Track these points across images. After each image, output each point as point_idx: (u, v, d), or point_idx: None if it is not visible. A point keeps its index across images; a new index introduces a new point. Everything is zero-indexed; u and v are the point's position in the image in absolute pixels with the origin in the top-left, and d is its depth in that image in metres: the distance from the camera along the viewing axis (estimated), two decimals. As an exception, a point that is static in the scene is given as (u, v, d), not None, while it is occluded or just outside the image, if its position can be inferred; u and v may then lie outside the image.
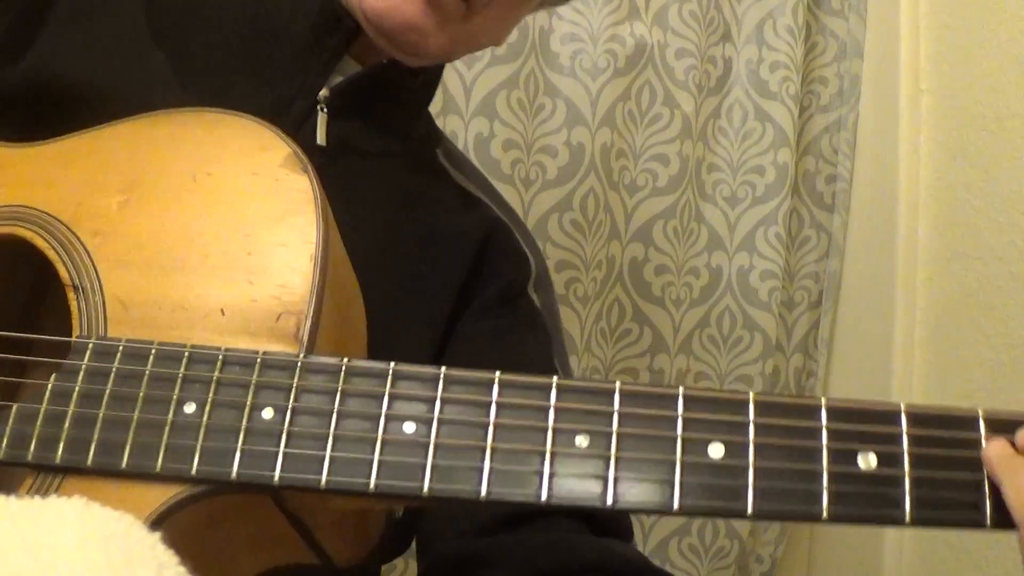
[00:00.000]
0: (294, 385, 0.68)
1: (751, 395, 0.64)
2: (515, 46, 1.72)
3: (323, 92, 0.98)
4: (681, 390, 0.65)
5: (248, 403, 0.68)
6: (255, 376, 0.69)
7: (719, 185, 1.98)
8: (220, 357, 0.70)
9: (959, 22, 1.83)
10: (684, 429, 0.64)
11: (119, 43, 0.96)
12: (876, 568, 1.84)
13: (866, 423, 0.63)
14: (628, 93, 1.84)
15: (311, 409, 0.67)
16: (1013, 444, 0.64)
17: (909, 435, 0.62)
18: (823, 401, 0.64)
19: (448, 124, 1.68)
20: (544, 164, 1.78)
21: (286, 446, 0.66)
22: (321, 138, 0.97)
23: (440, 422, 0.66)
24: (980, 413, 0.65)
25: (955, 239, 1.80)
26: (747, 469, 0.62)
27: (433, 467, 0.64)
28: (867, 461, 0.62)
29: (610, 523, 0.97)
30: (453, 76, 1.69)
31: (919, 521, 0.61)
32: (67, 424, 0.68)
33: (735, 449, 0.63)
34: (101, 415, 0.68)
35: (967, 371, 1.74)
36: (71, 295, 0.75)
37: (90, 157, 0.83)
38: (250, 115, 0.84)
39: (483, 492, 0.64)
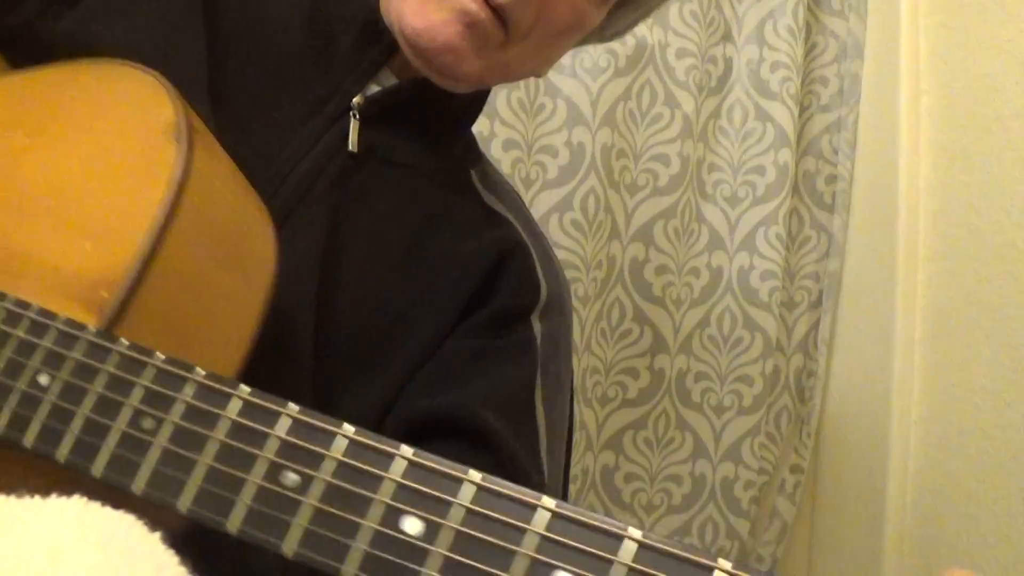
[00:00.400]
0: (70, 357, 0.67)
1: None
2: (515, 46, 1.72)
3: (357, 99, 0.98)
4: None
5: (31, 365, 0.68)
6: (46, 341, 0.68)
7: (719, 185, 1.98)
8: (30, 315, 0.69)
9: (959, 22, 1.83)
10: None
11: (165, 16, 0.96)
12: (876, 568, 1.85)
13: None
14: (629, 93, 1.85)
15: (75, 386, 0.67)
16: None
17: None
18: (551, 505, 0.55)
19: (448, 124, 1.68)
20: (545, 164, 1.78)
21: (45, 416, 0.66)
22: (353, 143, 0.98)
23: (176, 427, 0.63)
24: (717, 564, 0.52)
25: (955, 239, 1.80)
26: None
27: (154, 471, 0.62)
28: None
29: None
30: (453, 76, 1.69)
31: None
32: None
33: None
34: None
35: (967, 371, 1.74)
36: None
37: (24, 94, 0.84)
38: (158, 73, 0.83)
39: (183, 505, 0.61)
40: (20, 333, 0.69)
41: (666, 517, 1.98)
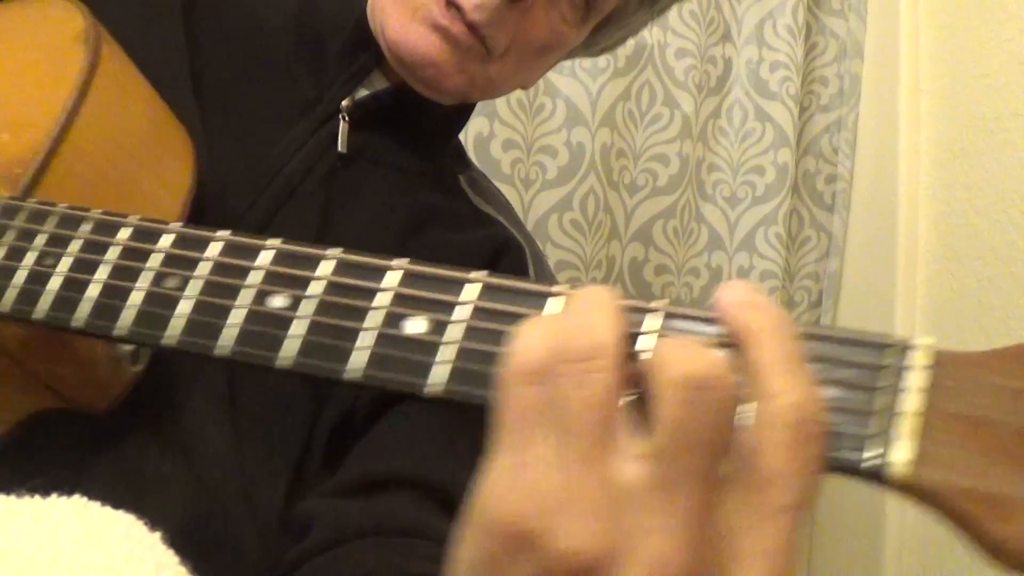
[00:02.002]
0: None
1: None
2: (515, 46, 1.72)
3: (346, 102, 0.99)
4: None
5: None
6: None
7: (719, 185, 1.98)
8: None
9: (959, 22, 1.83)
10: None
11: (141, 10, 0.96)
12: (876, 565, 1.84)
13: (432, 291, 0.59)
14: (628, 93, 1.85)
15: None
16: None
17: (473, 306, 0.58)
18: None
19: (448, 124, 1.68)
20: (544, 164, 1.78)
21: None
22: (342, 145, 0.98)
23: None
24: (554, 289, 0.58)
25: (955, 239, 1.80)
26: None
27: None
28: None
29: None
30: (453, 76, 1.69)
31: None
32: None
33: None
34: None
35: (967, 371, 1.74)
36: None
37: None
38: None
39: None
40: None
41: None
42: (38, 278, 0.69)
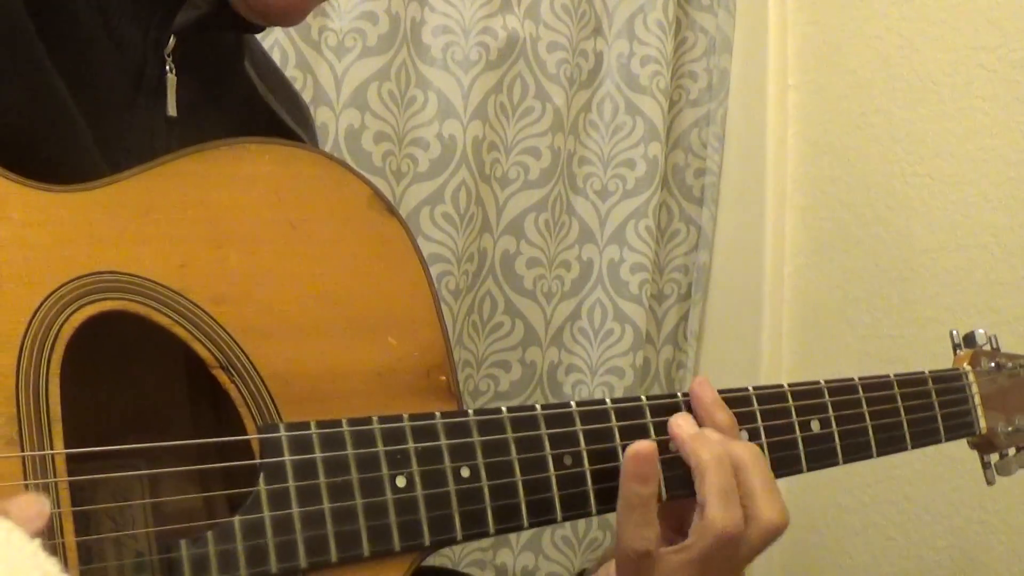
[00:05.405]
0: (476, 442, 0.75)
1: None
2: (386, 38, 1.70)
3: (171, 44, 0.87)
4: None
5: (447, 467, 0.74)
6: (443, 440, 0.74)
7: (590, 178, 1.99)
8: (407, 427, 0.73)
9: (826, 19, 1.86)
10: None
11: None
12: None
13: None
14: (500, 86, 1.84)
15: (497, 464, 0.76)
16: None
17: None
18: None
19: (319, 116, 1.66)
20: (416, 157, 1.77)
21: (492, 501, 0.75)
22: (172, 108, 0.88)
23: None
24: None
25: (821, 232, 1.84)
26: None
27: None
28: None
29: None
30: (323, 67, 1.66)
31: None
32: (298, 526, 0.69)
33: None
34: (327, 508, 0.70)
35: (834, 362, 1.77)
36: (222, 377, 0.71)
37: (157, 204, 0.72)
38: (318, 149, 0.84)
39: None
40: (411, 445, 0.73)
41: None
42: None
